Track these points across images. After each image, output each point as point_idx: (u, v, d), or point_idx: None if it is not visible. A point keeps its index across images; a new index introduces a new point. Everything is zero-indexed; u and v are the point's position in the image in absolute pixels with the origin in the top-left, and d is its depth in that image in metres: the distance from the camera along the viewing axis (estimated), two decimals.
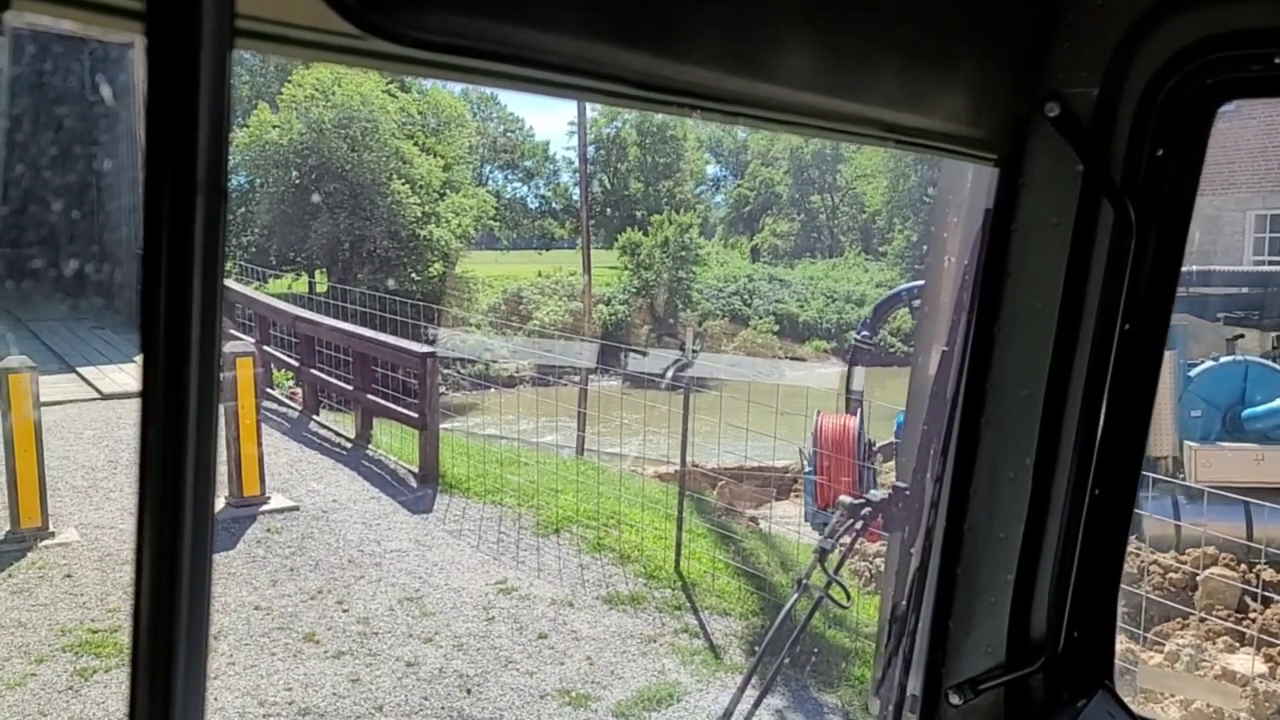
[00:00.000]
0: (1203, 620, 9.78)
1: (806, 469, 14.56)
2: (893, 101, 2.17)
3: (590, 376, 25.92)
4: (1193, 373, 14.31)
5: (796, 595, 3.15)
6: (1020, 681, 2.65)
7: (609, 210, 57.60)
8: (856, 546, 3.31)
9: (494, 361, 39.45)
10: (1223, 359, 14.65)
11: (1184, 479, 12.65)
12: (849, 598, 3.09)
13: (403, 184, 39.09)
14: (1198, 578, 10.33)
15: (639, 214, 53.93)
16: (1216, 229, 26.01)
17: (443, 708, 8.74)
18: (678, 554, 11.91)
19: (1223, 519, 11.28)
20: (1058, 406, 2.55)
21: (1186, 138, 2.46)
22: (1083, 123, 2.43)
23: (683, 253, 48.57)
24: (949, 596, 2.72)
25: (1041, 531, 2.61)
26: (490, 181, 60.52)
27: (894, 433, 15.51)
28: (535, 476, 14.47)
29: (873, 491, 2.79)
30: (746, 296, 51.03)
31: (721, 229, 66.41)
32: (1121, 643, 9.71)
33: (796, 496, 19.48)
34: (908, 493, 2.66)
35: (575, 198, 54.35)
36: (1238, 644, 9.38)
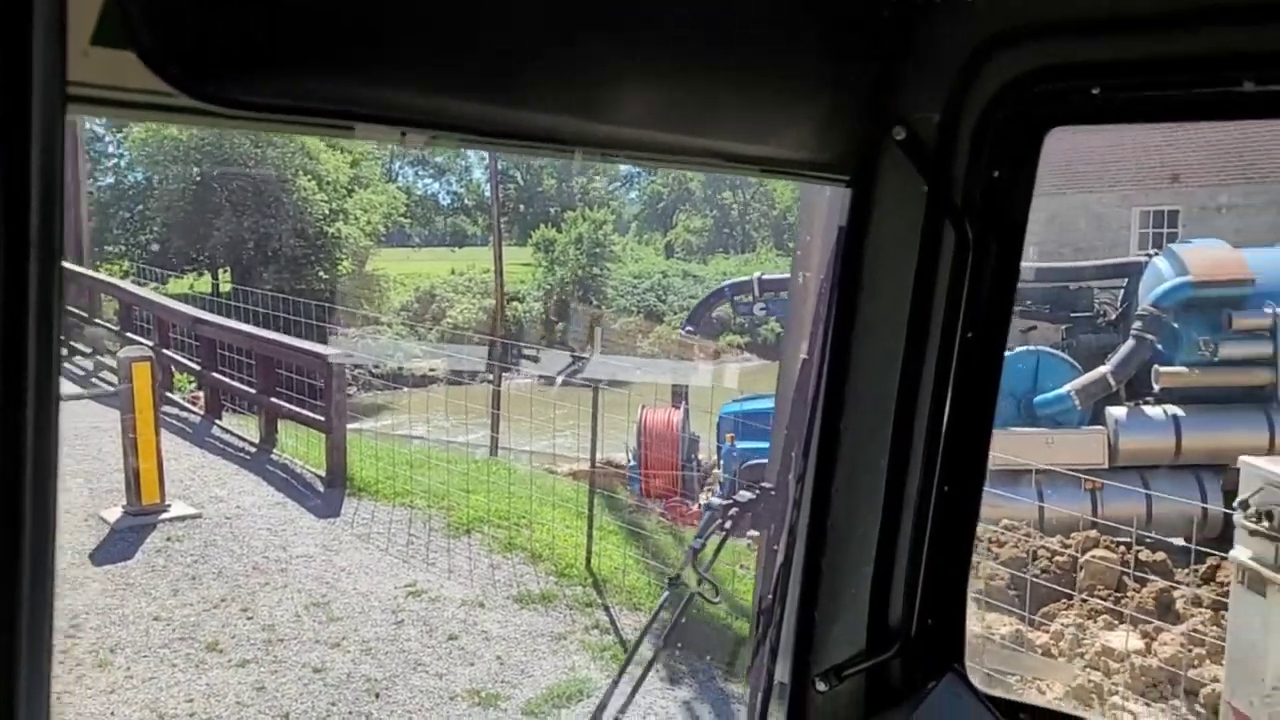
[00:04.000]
0: (1084, 600, 10.30)
1: (631, 462, 14.93)
2: (736, 133, 2.31)
3: (504, 375, 25.84)
4: None
5: (667, 594, 3.30)
6: (880, 667, 2.83)
7: (522, 207, 57.40)
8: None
9: (407, 361, 39.01)
10: (1017, 349, 15.62)
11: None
12: (718, 593, 3.24)
13: (309, 180, 38.33)
14: (1079, 560, 10.86)
15: (553, 210, 53.84)
16: (1103, 225, 27.16)
17: (350, 712, 8.70)
18: (588, 551, 12.03)
19: (1019, 498, 12.16)
20: (908, 410, 2.74)
21: (1019, 161, 2.66)
22: (927, 146, 2.61)
23: (596, 249, 48.64)
24: (814, 589, 2.89)
25: (897, 526, 2.79)
26: (400, 178, 59.73)
27: (716, 427, 15.97)
28: (446, 477, 14.42)
29: (743, 492, 2.95)
30: (661, 293, 51.36)
31: (635, 225, 66.67)
32: (1010, 624, 10.17)
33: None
34: (773, 493, 2.81)
35: (488, 194, 54.01)
36: (1116, 622, 9.91)
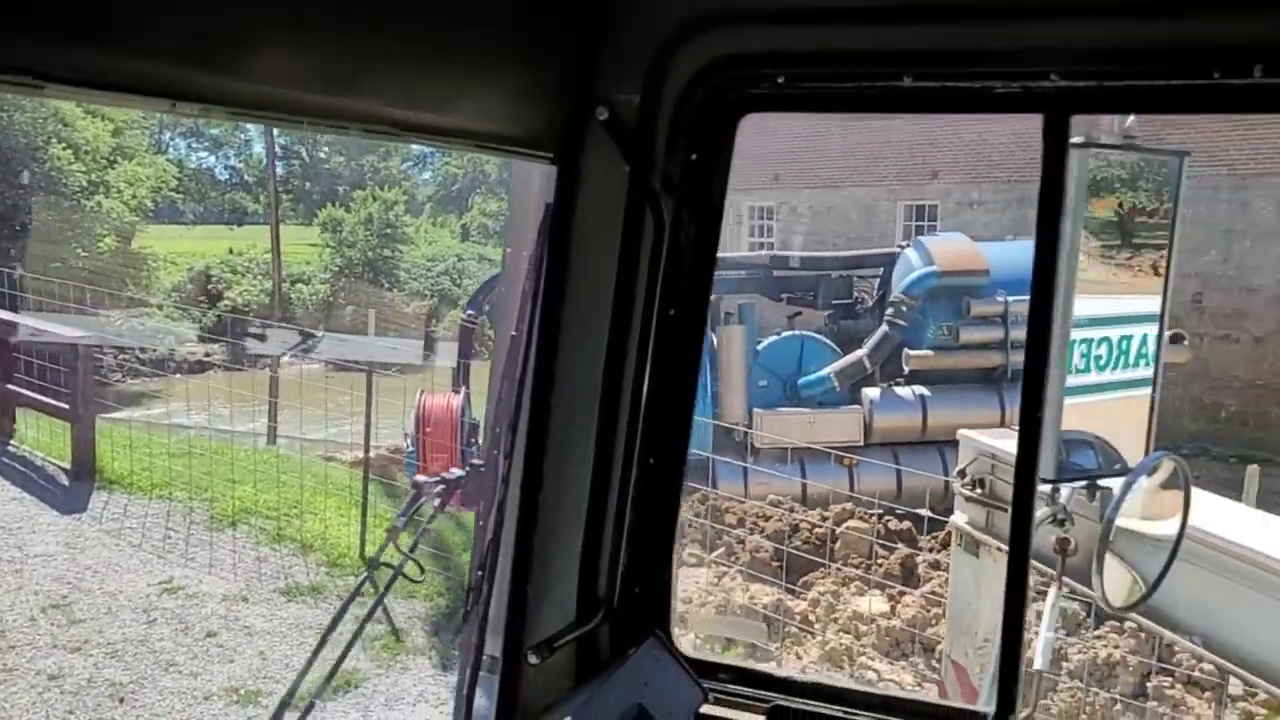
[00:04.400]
0: (840, 569, 10.98)
1: (409, 448, 14.90)
2: (432, 103, 2.29)
3: (288, 360, 24.71)
4: (760, 347, 16.30)
5: (366, 575, 3.26)
6: (588, 637, 2.91)
7: (308, 184, 54.92)
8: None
9: (180, 345, 36.54)
10: (784, 334, 16.77)
11: (753, 442, 14.48)
12: (423, 572, 3.23)
13: (64, 149, 35.18)
14: (836, 532, 11.56)
15: (341, 189, 51.80)
16: (872, 216, 28.92)
17: None
18: (362, 540, 11.72)
19: (784, 477, 13.08)
20: (614, 386, 2.82)
21: (715, 145, 2.78)
22: (628, 127, 2.69)
23: (388, 230, 47.16)
24: (526, 564, 2.93)
25: (605, 499, 2.87)
26: (171, 149, 55.78)
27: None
28: (212, 468, 13.67)
29: (452, 469, 2.95)
30: (456, 276, 50.45)
31: (430, 207, 65.18)
32: (773, 594, 10.70)
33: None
34: (484, 469, 2.82)
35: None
36: (866, 588, 10.62)
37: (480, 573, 2.85)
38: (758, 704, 2.84)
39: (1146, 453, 3.12)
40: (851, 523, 11.79)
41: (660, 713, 2.62)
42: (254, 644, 9.59)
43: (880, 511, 11.66)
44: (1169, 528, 3.12)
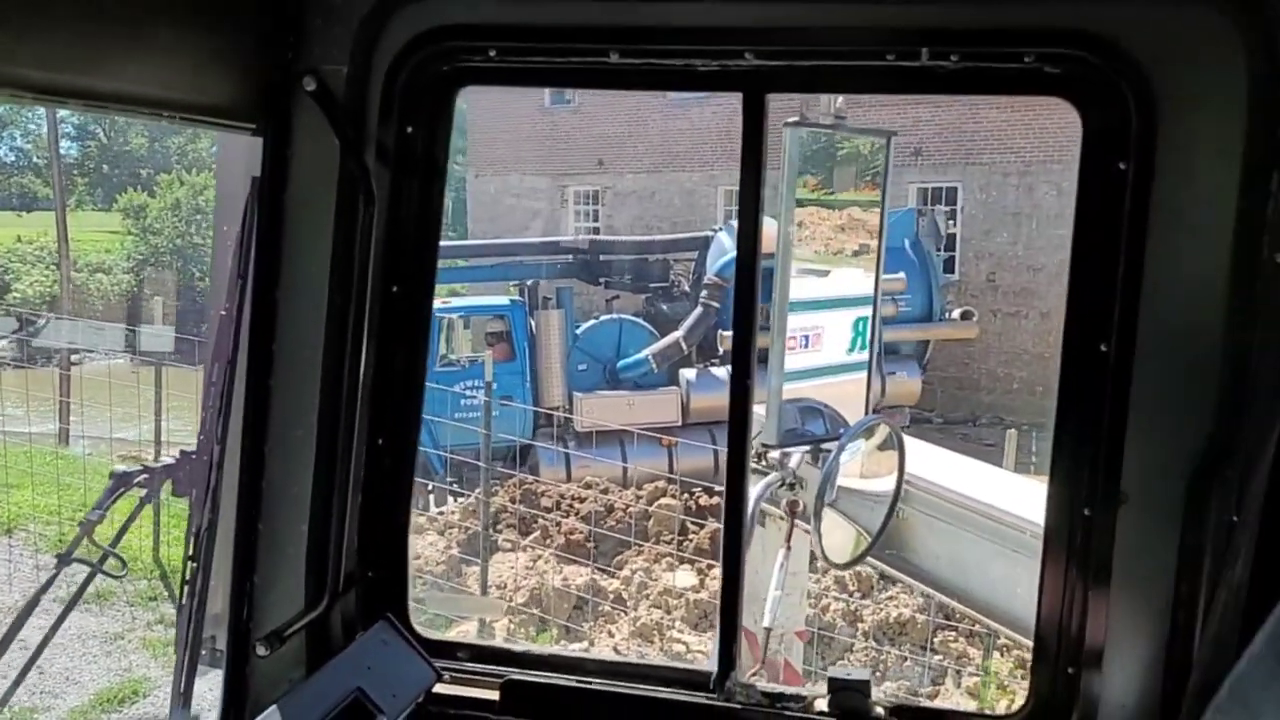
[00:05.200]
0: (653, 546, 11.21)
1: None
2: (120, 72, 2.17)
3: (89, 356, 23.06)
4: (578, 331, 16.60)
5: (58, 570, 3.10)
6: (319, 623, 2.84)
7: (106, 167, 51.37)
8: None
9: None
10: (602, 318, 17.13)
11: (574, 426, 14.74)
12: (125, 566, 3.10)
13: None
14: (649, 510, 11.79)
15: (144, 173, 48.70)
16: (696, 199, 29.52)
17: None
18: (156, 542, 11.07)
19: (606, 459, 13.39)
20: (337, 365, 2.76)
21: (432, 118, 2.75)
22: (337, 99, 2.63)
23: (198, 216, 44.70)
24: (251, 553, 2.83)
25: (331, 482, 2.80)
26: None
27: None
28: None
29: (163, 458, 2.82)
30: None
31: None
32: (585, 575, 10.80)
33: None
34: (195, 456, 2.71)
35: (65, 152, 47.67)
36: (677, 563, 10.88)
37: (194, 564, 2.74)
38: (493, 679, 2.85)
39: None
40: (664, 500, 12.03)
41: (383, 695, 2.59)
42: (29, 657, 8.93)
43: (691, 489, 11.95)
44: (887, 485, 3.32)
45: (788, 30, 2.45)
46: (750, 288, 2.66)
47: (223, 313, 2.67)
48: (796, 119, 3.09)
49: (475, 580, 11.09)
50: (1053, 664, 2.45)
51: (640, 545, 11.27)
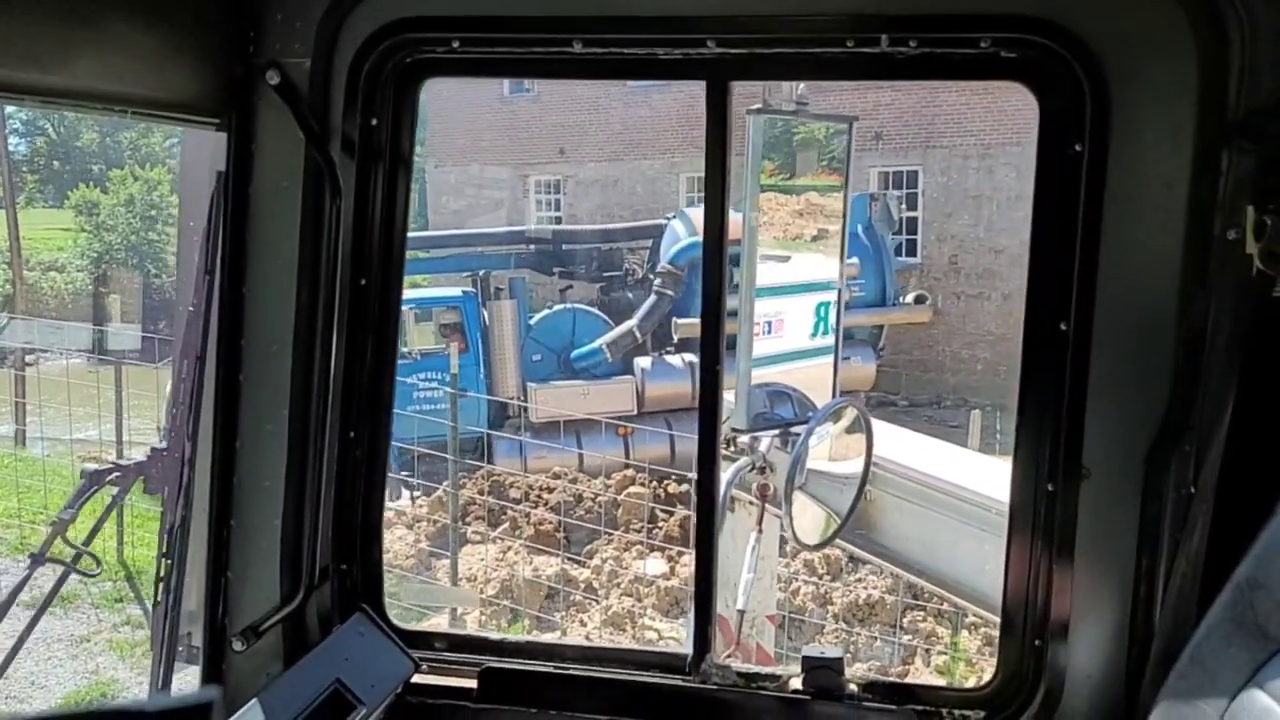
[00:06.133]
0: (623, 535, 11.24)
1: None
2: (55, 63, 2.14)
3: (44, 355, 22.64)
4: (532, 321, 16.59)
5: (31, 570, 3.09)
6: (294, 617, 2.84)
7: (57, 163, 50.37)
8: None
9: None
10: (555, 308, 17.15)
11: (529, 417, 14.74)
12: (99, 564, 3.08)
13: None
14: (618, 498, 11.82)
15: (96, 168, 47.82)
16: (658, 187, 29.51)
17: None
18: (120, 542, 10.97)
19: (561, 448, 13.42)
20: (307, 359, 2.75)
21: (397, 110, 2.75)
22: (301, 92, 2.62)
23: (153, 212, 43.97)
24: (225, 549, 2.83)
25: (304, 476, 2.80)
26: None
27: None
28: None
29: (132, 455, 2.81)
30: None
31: None
32: (555, 565, 10.82)
33: None
34: (166, 452, 2.70)
35: (13, 148, 46.61)
36: (647, 551, 10.93)
37: (168, 560, 2.73)
38: (470, 668, 2.87)
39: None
40: (632, 489, 12.07)
41: (361, 686, 2.60)
42: None
43: (660, 476, 12.00)
44: (855, 467, 3.37)
45: (749, 19, 2.47)
46: (719, 274, 2.70)
47: (190, 309, 2.66)
48: (759, 106, 3.12)
49: (445, 573, 11.07)
50: (1020, 637, 2.51)
51: (610, 534, 11.30)
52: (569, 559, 10.95)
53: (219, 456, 2.76)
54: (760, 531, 3.49)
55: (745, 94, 3.05)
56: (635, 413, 15.39)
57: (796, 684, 2.71)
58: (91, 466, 2.81)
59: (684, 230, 16.38)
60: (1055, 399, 2.40)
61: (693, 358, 16.17)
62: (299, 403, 2.75)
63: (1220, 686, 1.88)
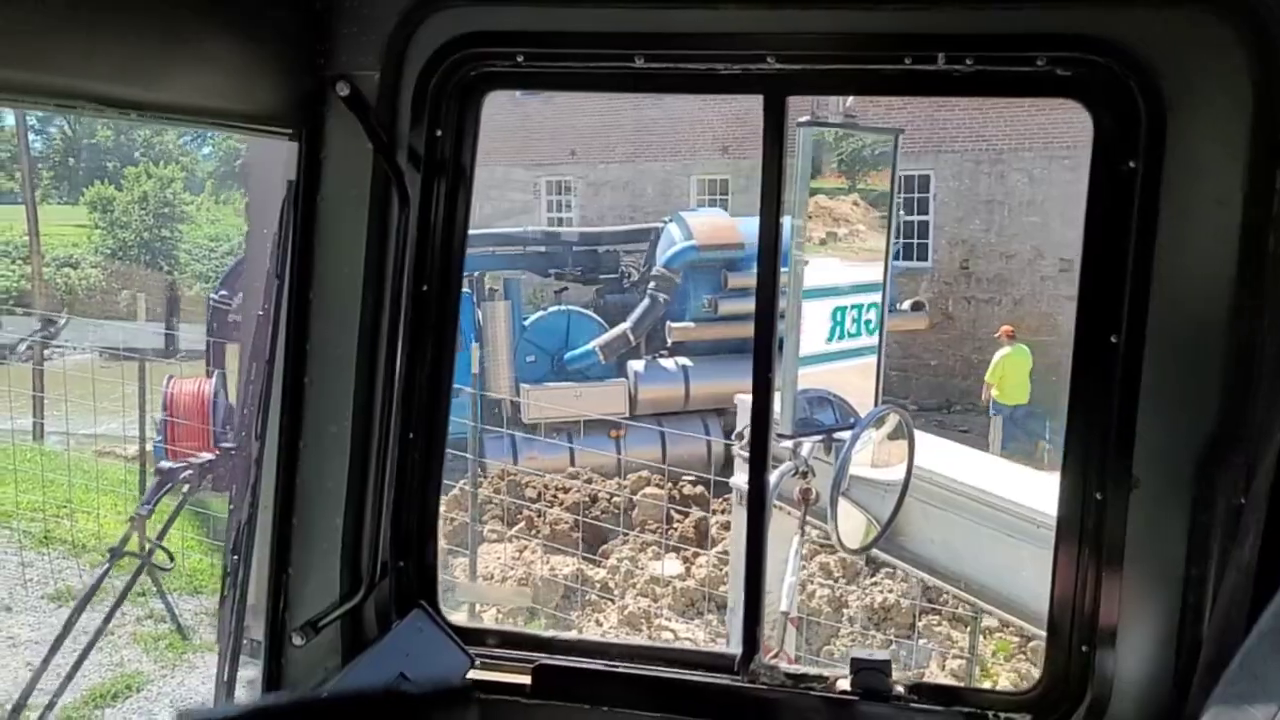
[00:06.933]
0: (638, 535, 11.31)
1: (157, 437, 14.38)
2: (142, 76, 2.22)
3: (57, 351, 22.78)
4: (526, 322, 16.64)
5: (109, 564, 3.15)
6: (353, 613, 2.91)
7: (72, 160, 50.64)
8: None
9: None
10: (551, 309, 17.21)
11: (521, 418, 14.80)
12: (172, 559, 3.15)
13: None
14: (634, 499, 11.88)
15: (110, 165, 48.08)
16: (670, 189, 29.59)
17: None
18: (141, 535, 11.06)
19: (553, 452, 13.48)
20: (370, 363, 2.83)
21: (461, 122, 2.82)
22: (370, 103, 2.69)
23: (165, 209, 44.22)
24: (286, 546, 2.90)
25: (365, 477, 2.88)
26: None
27: None
28: None
29: (204, 453, 2.88)
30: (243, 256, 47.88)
31: (211, 184, 61.39)
32: (572, 564, 10.89)
33: None
34: (234, 452, 2.78)
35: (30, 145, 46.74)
36: (663, 551, 10.99)
37: (235, 557, 2.81)
38: (524, 665, 2.93)
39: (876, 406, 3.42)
40: (648, 490, 12.13)
41: (424, 680, 2.67)
42: (19, 655, 8.95)
43: (675, 478, 12.05)
44: (897, 473, 3.43)
45: (809, 35, 2.54)
46: (772, 281, 2.76)
47: (260, 313, 2.73)
48: (809, 118, 3.18)
49: (463, 572, 11.14)
50: (1067, 642, 2.56)
51: (626, 535, 11.37)
52: (585, 558, 11.02)
53: (284, 456, 2.84)
54: (804, 534, 3.55)
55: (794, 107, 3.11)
56: (627, 415, 15.41)
57: (845, 685, 2.76)
58: (166, 464, 2.88)
59: (679, 234, 16.47)
60: (1105, 410, 2.46)
61: (686, 361, 16.27)
62: (362, 405, 2.82)
63: (1270, 693, 1.93)
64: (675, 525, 11.62)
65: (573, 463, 13.49)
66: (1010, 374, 19.69)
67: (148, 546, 3.22)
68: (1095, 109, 2.42)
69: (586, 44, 2.67)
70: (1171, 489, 2.40)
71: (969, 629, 9.57)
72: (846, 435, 3.38)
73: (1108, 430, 2.45)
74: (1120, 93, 2.35)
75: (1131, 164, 2.37)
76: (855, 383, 3.68)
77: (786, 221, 3.18)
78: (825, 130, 3.72)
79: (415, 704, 2.60)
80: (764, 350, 2.80)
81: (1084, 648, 2.53)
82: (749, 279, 16.59)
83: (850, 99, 3.35)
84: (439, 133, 2.77)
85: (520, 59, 2.71)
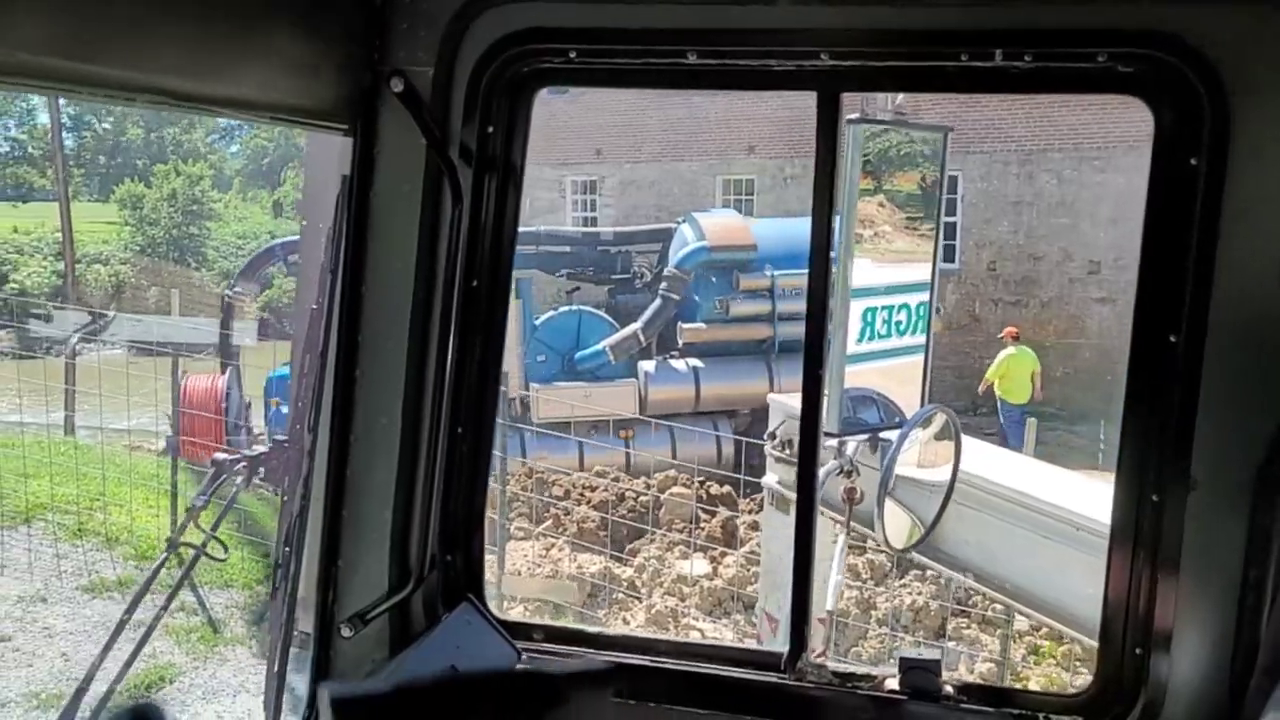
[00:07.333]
0: (665, 535, 11.31)
1: (169, 432, 14.51)
2: (213, 73, 2.24)
3: (87, 346, 23.05)
4: (537, 322, 16.63)
5: (166, 554, 3.19)
6: (401, 606, 2.93)
7: (103, 158, 51.21)
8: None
9: None
10: (562, 309, 17.20)
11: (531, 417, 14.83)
12: (226, 551, 3.18)
13: None
14: (661, 499, 11.88)
15: (140, 163, 48.59)
16: (696, 189, 29.53)
17: None
18: (173, 528, 11.17)
19: (561, 451, 13.47)
20: (420, 357, 2.84)
21: (512, 118, 2.83)
22: (424, 99, 2.71)
23: (194, 207, 44.65)
24: (336, 538, 2.92)
25: (414, 470, 2.89)
26: None
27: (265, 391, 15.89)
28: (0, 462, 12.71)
29: (256, 446, 2.91)
30: None
31: (239, 182, 61.93)
32: (600, 562, 10.90)
33: None
34: (286, 445, 2.79)
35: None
36: (690, 551, 10.99)
37: (287, 549, 2.83)
38: (568, 659, 2.94)
39: (923, 406, 3.40)
40: (675, 489, 12.13)
41: (473, 673, 2.68)
42: (55, 646, 9.05)
43: (702, 478, 12.04)
44: (943, 474, 3.41)
45: (863, 32, 2.53)
46: (823, 280, 2.75)
47: (313, 307, 2.75)
48: (858, 115, 3.17)
49: (490, 568, 11.19)
50: (1119, 645, 2.54)
51: (653, 533, 11.37)
52: (612, 556, 11.03)
53: (335, 449, 2.85)
54: (849, 532, 3.54)
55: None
56: (637, 415, 15.37)
57: (893, 684, 2.75)
58: (221, 455, 2.90)
59: (692, 235, 16.43)
60: (1162, 411, 2.43)
61: (696, 362, 16.23)
62: (412, 399, 2.84)
63: None
64: (703, 525, 11.61)
65: (581, 463, 13.50)
66: (1012, 374, 19.77)
67: (201, 539, 3.26)
68: (1157, 106, 2.40)
69: (639, 40, 2.67)
70: (1230, 491, 2.37)
71: (999, 631, 9.51)
72: (891, 435, 3.36)
73: (1165, 431, 2.43)
74: (1184, 89, 2.32)
75: (1194, 161, 2.34)
76: (880, 385, 3.66)
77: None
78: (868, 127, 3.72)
79: (556, 683, 2.38)
80: (815, 348, 2.79)
81: (1138, 650, 2.51)
82: (761, 280, 16.49)
83: (900, 97, 3.33)
84: (491, 129, 2.78)
85: (573, 55, 2.71)
